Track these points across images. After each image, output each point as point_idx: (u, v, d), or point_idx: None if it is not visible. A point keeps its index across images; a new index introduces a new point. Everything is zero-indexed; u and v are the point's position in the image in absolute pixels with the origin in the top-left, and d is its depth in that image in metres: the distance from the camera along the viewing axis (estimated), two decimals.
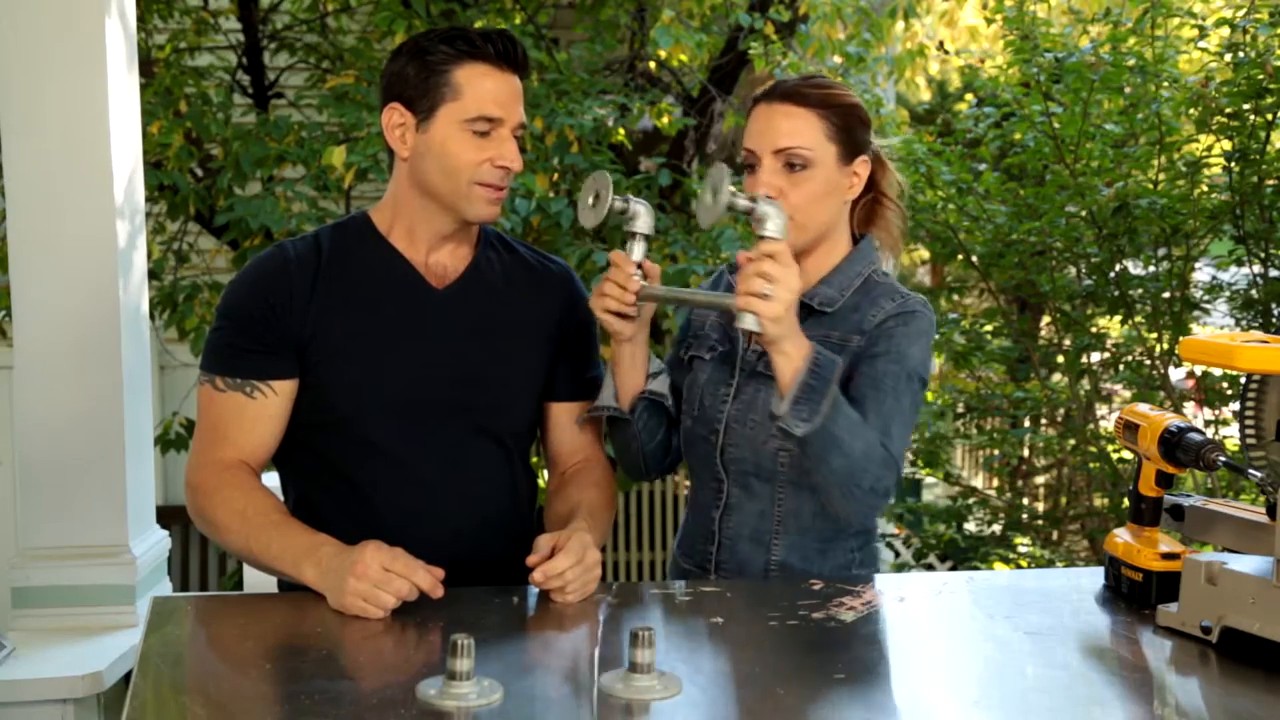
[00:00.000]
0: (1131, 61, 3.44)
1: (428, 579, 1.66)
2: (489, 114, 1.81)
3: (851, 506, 1.81)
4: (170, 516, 3.25)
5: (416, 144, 1.84)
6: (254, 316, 1.84)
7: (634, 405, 1.94)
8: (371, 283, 1.88)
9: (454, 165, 1.82)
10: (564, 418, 2.01)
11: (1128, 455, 3.84)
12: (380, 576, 1.63)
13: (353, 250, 1.90)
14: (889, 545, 5.08)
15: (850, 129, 1.89)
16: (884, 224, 2.01)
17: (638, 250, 1.87)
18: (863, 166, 1.92)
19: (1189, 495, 1.86)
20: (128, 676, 2.41)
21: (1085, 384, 4.17)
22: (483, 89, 1.81)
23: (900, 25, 4.93)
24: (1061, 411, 4.36)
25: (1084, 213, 3.57)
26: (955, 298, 5.41)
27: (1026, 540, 4.73)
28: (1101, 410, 4.30)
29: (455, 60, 1.81)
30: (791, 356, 1.72)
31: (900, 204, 2.02)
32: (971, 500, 4.85)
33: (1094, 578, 1.90)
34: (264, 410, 1.85)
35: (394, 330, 1.86)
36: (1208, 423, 3.73)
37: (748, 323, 1.72)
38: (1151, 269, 3.72)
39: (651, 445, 1.98)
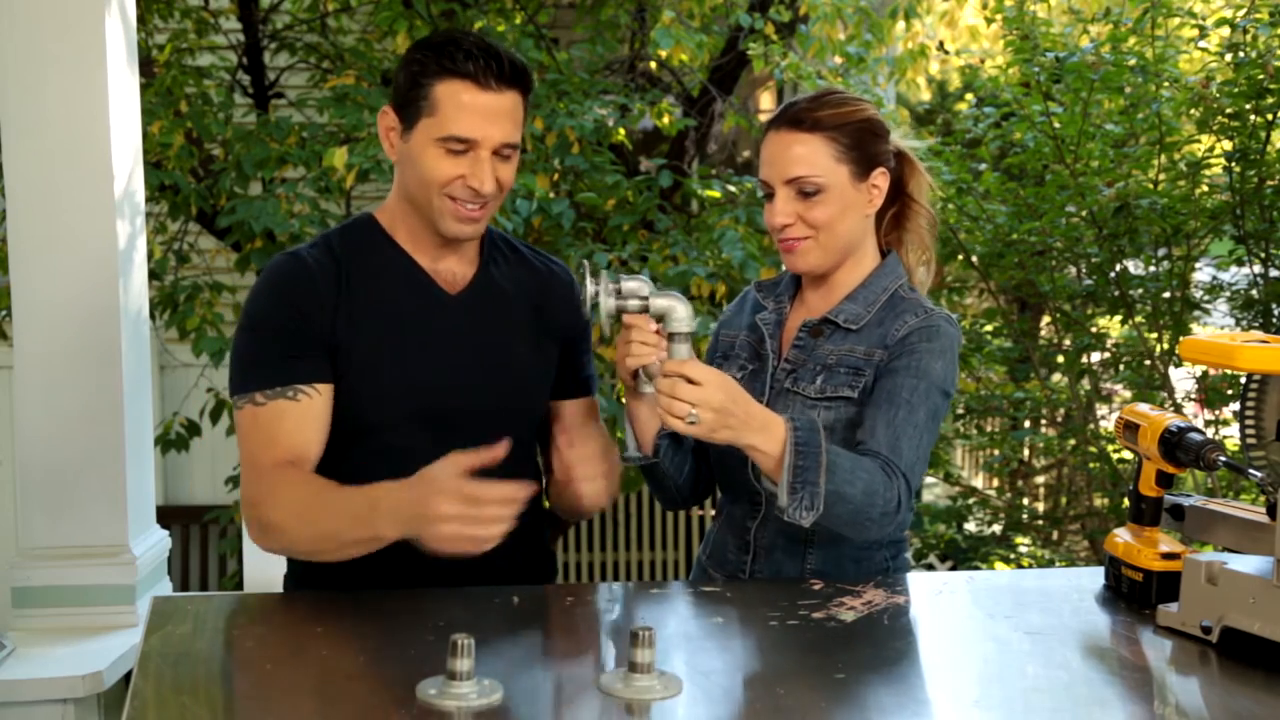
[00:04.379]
0: (1132, 61, 3.44)
1: (507, 489, 1.58)
2: (460, 135, 1.78)
3: (865, 536, 1.81)
4: (170, 516, 3.25)
5: (401, 150, 1.84)
6: (284, 325, 1.82)
7: (656, 446, 1.92)
8: (390, 289, 1.87)
9: (427, 179, 1.80)
10: (567, 413, 2.01)
11: (1128, 455, 3.84)
12: (463, 514, 1.56)
13: (367, 255, 1.89)
14: None
15: (862, 145, 1.89)
16: (913, 229, 2.00)
17: (683, 352, 1.75)
18: (881, 179, 1.91)
19: (1189, 495, 1.86)
20: (128, 676, 2.41)
21: (1085, 384, 4.16)
22: (458, 108, 1.78)
23: (901, 25, 4.92)
24: (1061, 412, 4.36)
25: (1084, 213, 3.57)
26: (955, 298, 5.41)
27: (1027, 540, 4.73)
28: (1101, 410, 4.29)
29: (436, 75, 1.79)
30: (765, 450, 1.70)
31: (930, 208, 2.00)
32: (972, 500, 4.85)
33: (1094, 578, 1.90)
34: (309, 410, 1.80)
35: (417, 338, 1.86)
36: (1208, 423, 3.73)
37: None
38: (1152, 269, 3.72)
39: (682, 479, 1.99)
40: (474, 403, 1.87)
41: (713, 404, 1.65)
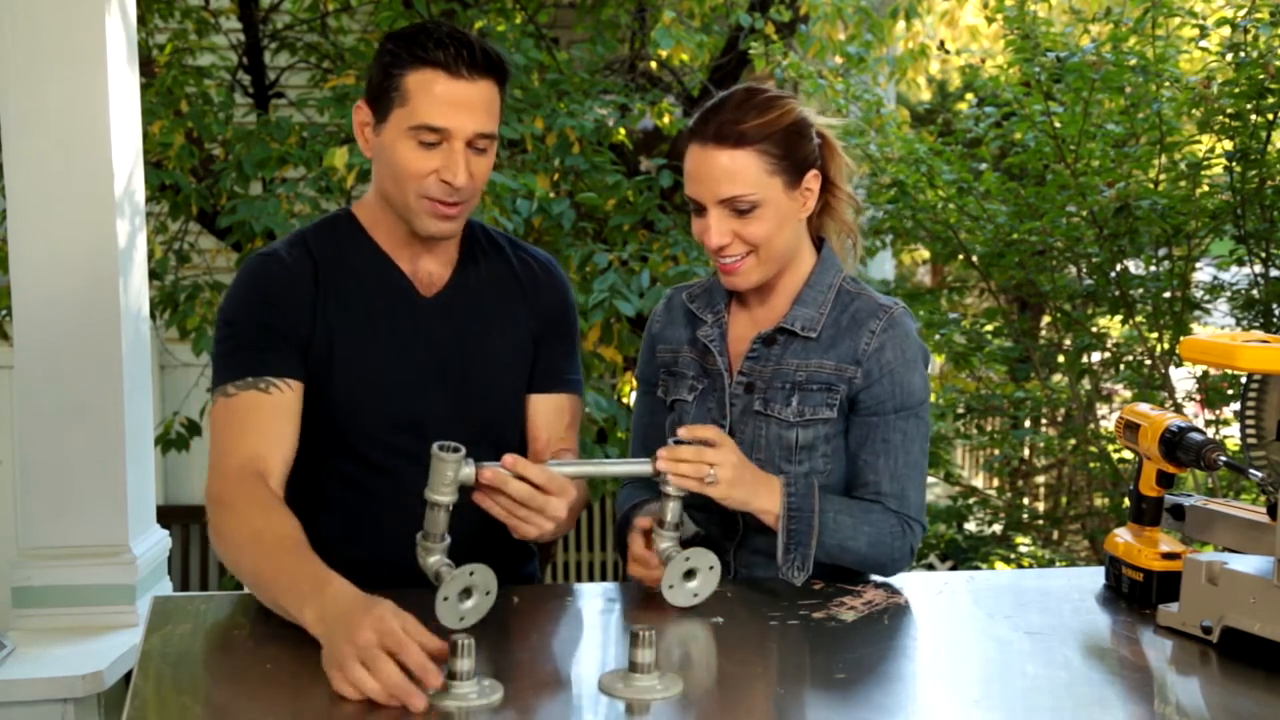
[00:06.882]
0: (1132, 61, 3.44)
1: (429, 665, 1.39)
2: (432, 124, 1.73)
3: (883, 575, 1.90)
4: (170, 516, 3.25)
5: (375, 145, 1.81)
6: (259, 319, 1.80)
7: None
8: (366, 292, 1.85)
9: (401, 174, 1.77)
10: (540, 408, 1.95)
11: (1128, 455, 3.84)
12: (375, 652, 1.39)
13: (346, 255, 1.86)
14: None
15: (792, 152, 1.81)
16: (837, 215, 1.95)
17: (672, 510, 1.72)
18: (814, 181, 1.85)
19: (1189, 495, 1.86)
20: (128, 676, 2.41)
21: (1085, 384, 4.16)
22: (430, 97, 1.73)
23: (901, 25, 4.92)
24: (1062, 411, 4.36)
25: (1084, 213, 3.57)
26: (955, 298, 5.41)
27: (1027, 540, 4.73)
28: (1102, 410, 4.29)
29: (408, 64, 1.74)
30: (771, 510, 1.76)
31: (849, 189, 1.95)
32: (972, 500, 4.85)
33: (1094, 578, 1.90)
34: (280, 405, 1.76)
35: (392, 343, 1.84)
36: (1208, 423, 3.73)
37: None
38: (1152, 269, 3.72)
39: None
40: (446, 410, 1.84)
41: (731, 461, 1.71)
